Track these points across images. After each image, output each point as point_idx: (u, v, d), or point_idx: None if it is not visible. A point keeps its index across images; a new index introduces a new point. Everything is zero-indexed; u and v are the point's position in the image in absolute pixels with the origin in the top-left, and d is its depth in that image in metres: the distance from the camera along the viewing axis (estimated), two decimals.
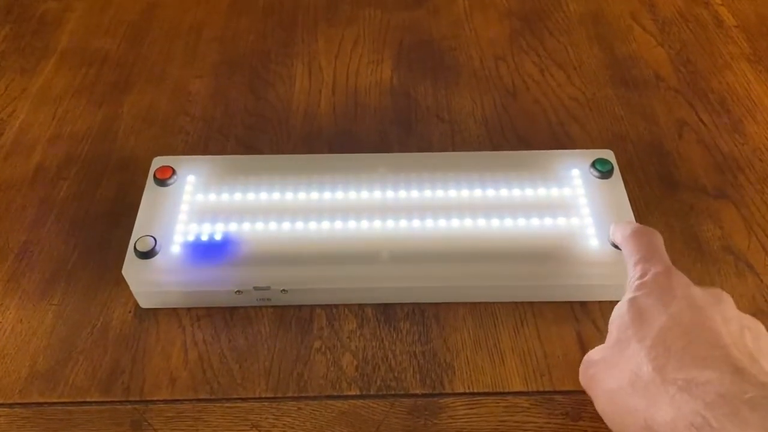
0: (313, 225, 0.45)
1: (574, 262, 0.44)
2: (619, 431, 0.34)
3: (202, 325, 0.45)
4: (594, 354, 0.38)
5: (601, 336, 0.41)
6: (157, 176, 0.48)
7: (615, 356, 0.35)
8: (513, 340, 0.44)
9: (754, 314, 0.36)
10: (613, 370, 0.35)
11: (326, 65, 0.63)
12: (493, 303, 0.46)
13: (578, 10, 0.69)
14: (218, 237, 0.45)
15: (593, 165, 0.48)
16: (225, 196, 0.47)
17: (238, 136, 0.57)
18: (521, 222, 0.45)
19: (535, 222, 0.45)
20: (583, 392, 0.37)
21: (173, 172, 0.48)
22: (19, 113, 0.59)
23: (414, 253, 0.44)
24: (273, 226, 0.45)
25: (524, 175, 0.48)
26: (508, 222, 0.45)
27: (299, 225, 0.45)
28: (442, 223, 0.45)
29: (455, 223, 0.45)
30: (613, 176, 0.48)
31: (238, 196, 0.47)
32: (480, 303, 0.46)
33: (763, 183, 0.53)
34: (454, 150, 0.56)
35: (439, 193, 0.47)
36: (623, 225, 0.41)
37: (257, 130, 0.58)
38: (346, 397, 0.41)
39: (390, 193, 0.47)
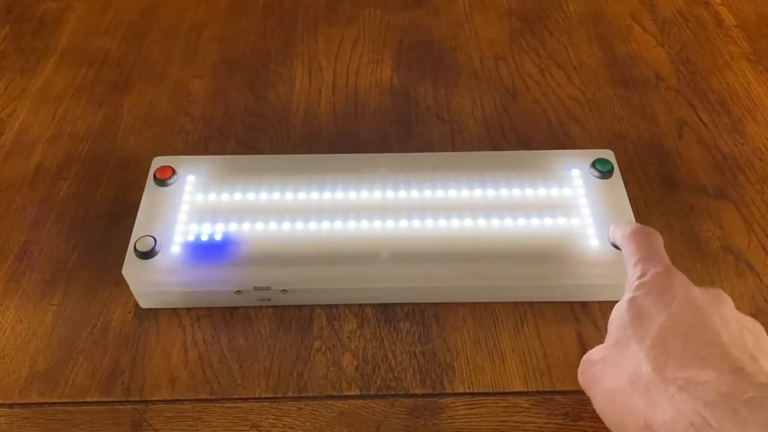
0: (313, 225, 0.45)
1: (574, 262, 0.44)
2: (618, 431, 0.34)
3: (202, 325, 0.45)
4: (593, 354, 0.38)
5: (601, 336, 0.41)
6: (157, 176, 0.48)
7: (614, 356, 0.35)
8: (513, 340, 0.44)
9: (754, 314, 0.36)
10: (612, 370, 0.35)
11: (326, 65, 0.63)
12: (493, 303, 0.46)
13: (578, 10, 0.69)
14: (218, 237, 0.45)
15: (593, 165, 0.48)
16: (225, 196, 0.47)
17: (238, 136, 0.57)
18: (521, 222, 0.45)
19: (535, 222, 0.45)
20: (583, 392, 0.37)
21: (173, 172, 0.48)
22: (19, 113, 0.59)
23: (414, 253, 0.44)
24: (273, 226, 0.45)
25: (524, 175, 0.48)
26: (508, 222, 0.45)
27: (299, 225, 0.45)
28: (442, 223, 0.45)
29: (455, 223, 0.45)
30: (613, 176, 0.48)
31: (238, 196, 0.47)
32: (480, 303, 0.46)
33: (763, 183, 0.53)
34: (454, 150, 0.56)
35: (439, 193, 0.47)
36: (623, 225, 0.41)
37: (257, 130, 0.58)
38: (346, 397, 0.41)
39: (390, 193, 0.47)
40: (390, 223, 0.45)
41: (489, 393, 0.41)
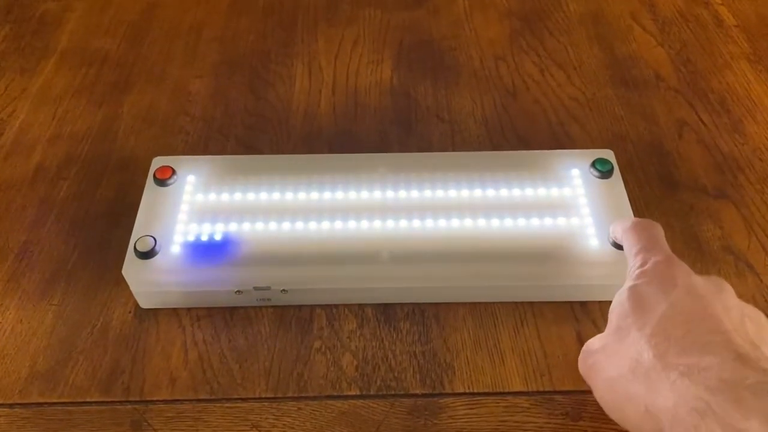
0: (313, 225, 0.45)
1: (574, 262, 0.44)
2: (618, 419, 0.34)
3: (202, 325, 0.45)
4: (593, 343, 0.37)
5: None
6: (157, 176, 0.48)
7: (615, 344, 0.35)
8: (513, 340, 0.44)
9: None
10: (613, 358, 0.35)
11: (326, 65, 0.63)
12: (493, 303, 0.46)
13: (578, 10, 0.69)
14: (218, 237, 0.45)
15: (593, 165, 0.48)
16: (225, 196, 0.47)
17: (238, 136, 0.57)
18: (521, 222, 0.45)
19: (535, 222, 0.45)
20: (584, 392, 0.37)
21: (173, 172, 0.48)
22: (19, 113, 0.59)
23: (414, 253, 0.44)
24: (273, 226, 0.45)
25: (524, 175, 0.48)
26: (508, 222, 0.45)
27: (299, 225, 0.45)
28: (442, 223, 0.45)
29: (455, 223, 0.45)
30: (613, 176, 0.48)
31: (238, 196, 0.47)
32: (480, 303, 0.46)
33: (763, 183, 0.53)
34: (454, 150, 0.56)
35: (439, 193, 0.47)
36: (623, 219, 0.41)
37: (257, 130, 0.58)
38: (346, 397, 0.41)
39: (390, 193, 0.47)
40: (390, 223, 0.45)
41: (489, 393, 0.41)
